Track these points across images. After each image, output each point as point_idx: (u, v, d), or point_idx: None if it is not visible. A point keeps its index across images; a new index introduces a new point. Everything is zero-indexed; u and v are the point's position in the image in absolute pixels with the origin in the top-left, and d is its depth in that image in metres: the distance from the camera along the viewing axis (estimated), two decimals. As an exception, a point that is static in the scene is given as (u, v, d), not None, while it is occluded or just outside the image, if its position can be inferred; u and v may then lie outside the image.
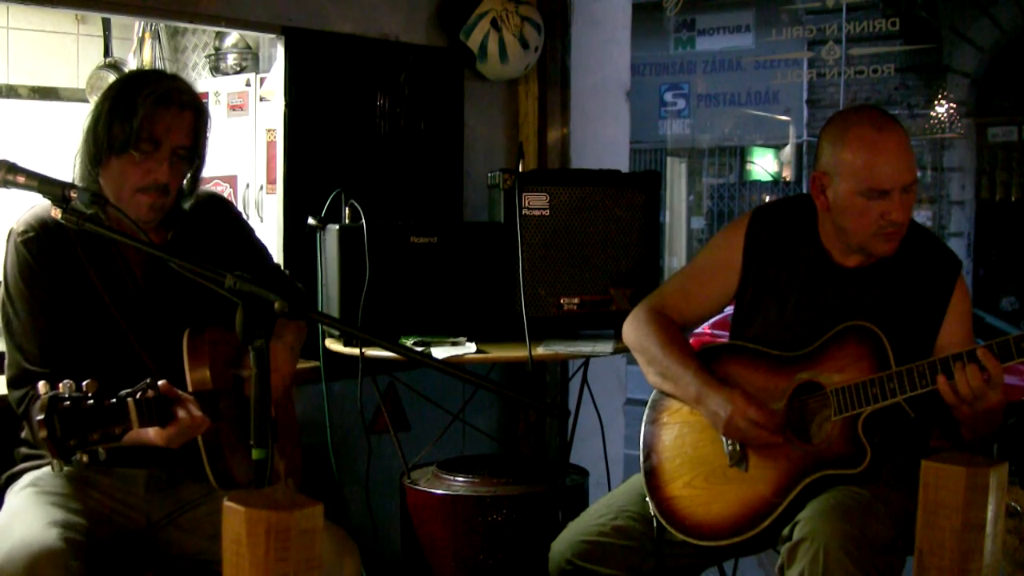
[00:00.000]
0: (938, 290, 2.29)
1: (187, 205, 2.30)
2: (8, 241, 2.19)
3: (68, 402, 1.67)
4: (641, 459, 2.42)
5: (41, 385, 1.69)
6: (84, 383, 1.71)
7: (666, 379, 2.36)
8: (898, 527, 2.12)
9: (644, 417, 2.46)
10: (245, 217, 2.64)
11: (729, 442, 2.28)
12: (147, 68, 3.70)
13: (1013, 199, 11.81)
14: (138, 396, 1.79)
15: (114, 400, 1.75)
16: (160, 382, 1.89)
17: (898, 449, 2.23)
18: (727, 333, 2.49)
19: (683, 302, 2.47)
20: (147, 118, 2.12)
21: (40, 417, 1.65)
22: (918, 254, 2.32)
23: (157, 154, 2.14)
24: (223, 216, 2.44)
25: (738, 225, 2.45)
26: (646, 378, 2.45)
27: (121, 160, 2.14)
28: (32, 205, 2.20)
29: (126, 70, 3.77)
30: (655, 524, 2.31)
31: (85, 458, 1.70)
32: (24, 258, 2.15)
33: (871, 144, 2.20)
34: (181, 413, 1.92)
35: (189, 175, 2.26)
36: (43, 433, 1.65)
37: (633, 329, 2.46)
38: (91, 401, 1.71)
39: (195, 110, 2.21)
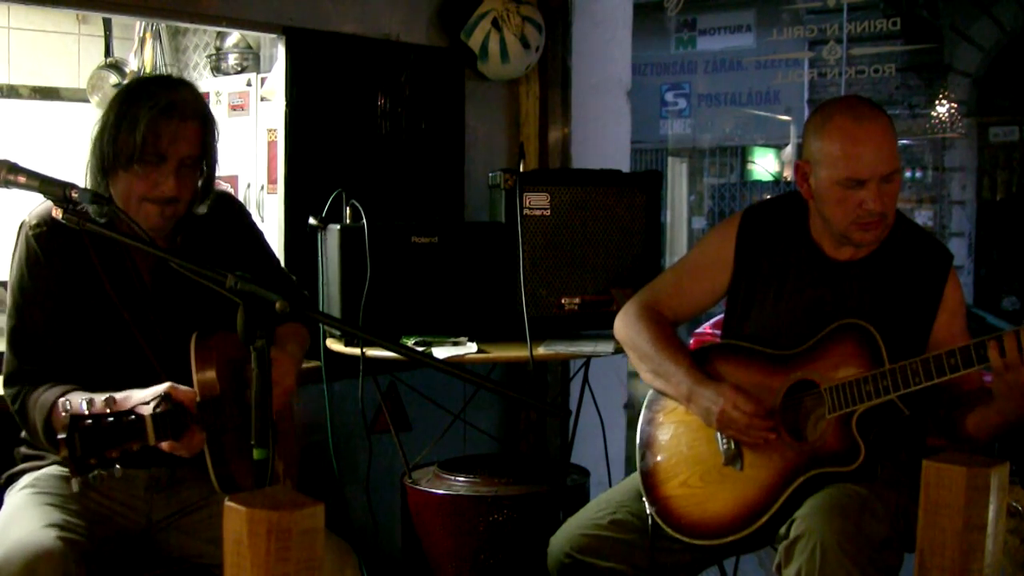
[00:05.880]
0: (931, 282, 2.30)
1: (200, 210, 2.28)
2: (19, 233, 2.18)
3: (89, 420, 1.68)
4: (638, 458, 2.43)
5: (62, 402, 1.69)
6: (103, 398, 1.71)
7: (658, 376, 2.38)
8: (895, 525, 2.13)
9: (640, 416, 2.48)
10: (251, 215, 2.63)
11: (724, 440, 2.29)
12: (151, 74, 3.68)
13: (1014, 199, 11.80)
14: (154, 411, 1.80)
15: (133, 416, 1.76)
16: (176, 390, 1.90)
17: (893, 447, 2.24)
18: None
19: (675, 298, 2.49)
20: (150, 131, 2.08)
21: (62, 436, 1.66)
22: (909, 247, 2.33)
23: (163, 167, 2.12)
24: (232, 215, 2.43)
25: (730, 223, 2.47)
26: (638, 373, 2.46)
27: (128, 173, 2.12)
28: (45, 199, 2.19)
29: (127, 70, 3.77)
30: (650, 523, 2.32)
31: (104, 475, 1.71)
32: (34, 251, 2.14)
33: (849, 134, 2.22)
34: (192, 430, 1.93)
35: (201, 182, 2.24)
36: (64, 452, 1.66)
37: (625, 325, 2.47)
38: (111, 419, 1.71)
39: (200, 119, 2.18)
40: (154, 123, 2.09)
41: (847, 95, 2.49)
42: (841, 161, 2.22)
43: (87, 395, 1.71)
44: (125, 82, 3.68)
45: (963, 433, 2.22)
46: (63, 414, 1.68)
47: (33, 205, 2.20)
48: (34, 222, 2.17)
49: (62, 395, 2.01)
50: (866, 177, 2.20)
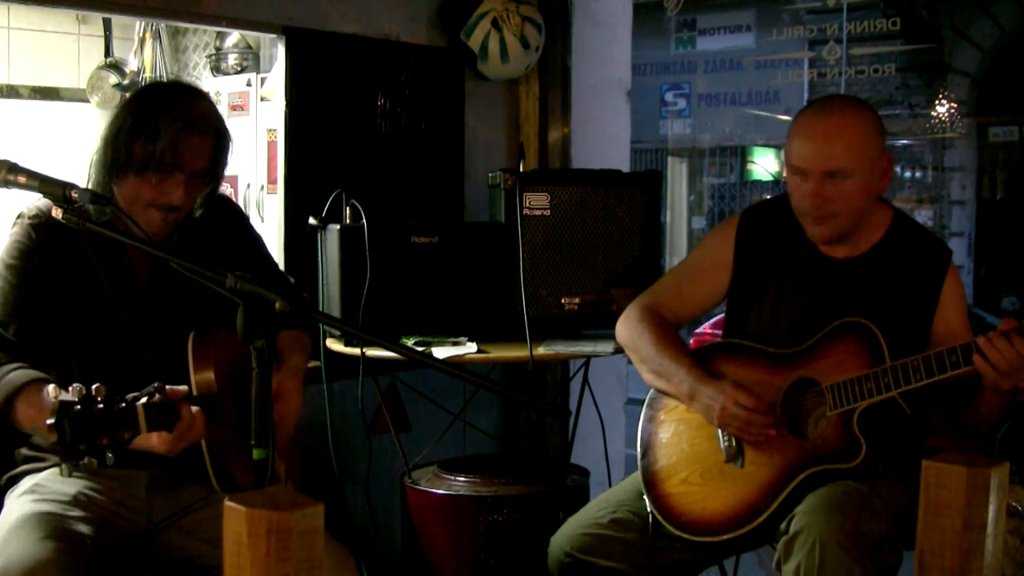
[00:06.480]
0: (929, 278, 2.30)
1: (198, 214, 2.29)
2: (16, 222, 2.19)
3: (79, 406, 1.67)
4: (638, 456, 2.44)
5: (51, 389, 1.68)
6: (93, 387, 1.71)
7: (660, 377, 2.39)
8: (895, 522, 2.13)
9: (641, 415, 2.48)
10: (249, 218, 2.64)
11: (725, 438, 2.29)
12: (166, 80, 3.67)
13: (1014, 199, 11.80)
14: (146, 401, 1.79)
15: (123, 404, 1.75)
16: (166, 387, 1.89)
17: (894, 445, 2.24)
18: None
19: (676, 300, 2.50)
20: (171, 144, 2.11)
21: (51, 421, 1.65)
22: (907, 244, 2.33)
23: (175, 177, 2.15)
24: (228, 217, 2.44)
25: (728, 225, 2.49)
26: (640, 376, 2.47)
27: (138, 178, 2.14)
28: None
29: (127, 70, 3.77)
30: (650, 521, 2.32)
31: (95, 463, 1.70)
32: (28, 236, 2.15)
33: (805, 125, 2.27)
34: (184, 417, 1.92)
35: (206, 192, 2.26)
36: (53, 437, 1.65)
37: (626, 328, 2.48)
38: (101, 406, 1.71)
39: (216, 134, 2.22)
40: (176, 136, 2.12)
41: (837, 94, 2.50)
42: (792, 150, 2.27)
43: (76, 385, 1.70)
44: (125, 82, 3.70)
45: (972, 421, 2.23)
46: (53, 399, 1.67)
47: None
48: (32, 213, 2.18)
49: (33, 382, 1.98)
50: (805, 168, 2.24)
